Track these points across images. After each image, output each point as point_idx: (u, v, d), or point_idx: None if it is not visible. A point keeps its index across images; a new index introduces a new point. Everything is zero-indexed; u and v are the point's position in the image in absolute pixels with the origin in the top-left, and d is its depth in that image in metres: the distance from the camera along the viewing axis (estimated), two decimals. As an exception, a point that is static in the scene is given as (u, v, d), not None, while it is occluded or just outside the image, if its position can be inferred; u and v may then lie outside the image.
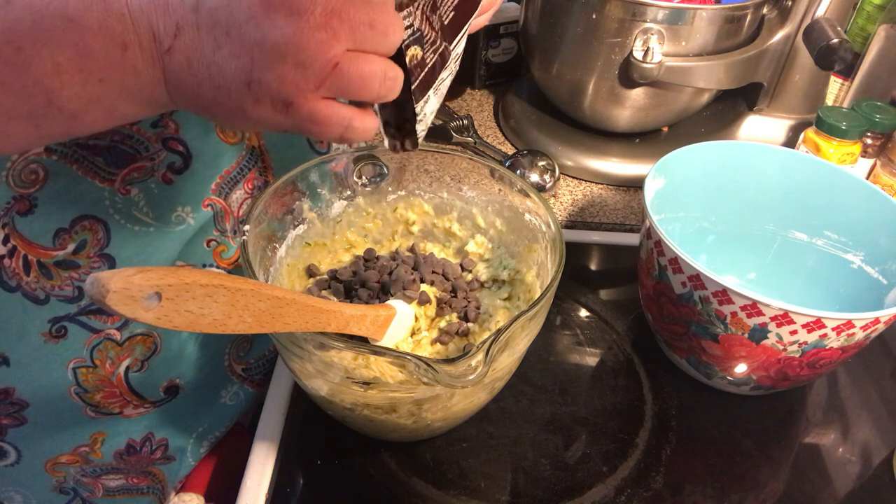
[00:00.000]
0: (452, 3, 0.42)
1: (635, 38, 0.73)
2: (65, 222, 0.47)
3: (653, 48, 0.72)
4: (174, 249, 0.52)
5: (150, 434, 0.57)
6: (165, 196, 0.50)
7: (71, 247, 0.47)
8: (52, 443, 0.54)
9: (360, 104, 0.37)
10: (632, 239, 0.74)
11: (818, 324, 0.46)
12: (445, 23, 0.42)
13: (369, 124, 0.37)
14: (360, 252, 0.58)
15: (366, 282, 0.53)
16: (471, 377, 0.38)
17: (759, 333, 0.48)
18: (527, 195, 0.52)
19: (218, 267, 0.55)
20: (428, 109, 0.42)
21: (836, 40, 0.72)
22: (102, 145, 0.46)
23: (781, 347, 0.49)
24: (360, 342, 0.45)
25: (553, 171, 0.79)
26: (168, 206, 0.50)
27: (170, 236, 0.51)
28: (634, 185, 0.82)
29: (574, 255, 0.62)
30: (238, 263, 0.55)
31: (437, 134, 0.87)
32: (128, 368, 0.53)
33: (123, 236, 0.49)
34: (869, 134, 0.75)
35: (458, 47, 0.45)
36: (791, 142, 0.87)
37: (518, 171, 0.78)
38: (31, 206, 0.45)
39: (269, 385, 0.57)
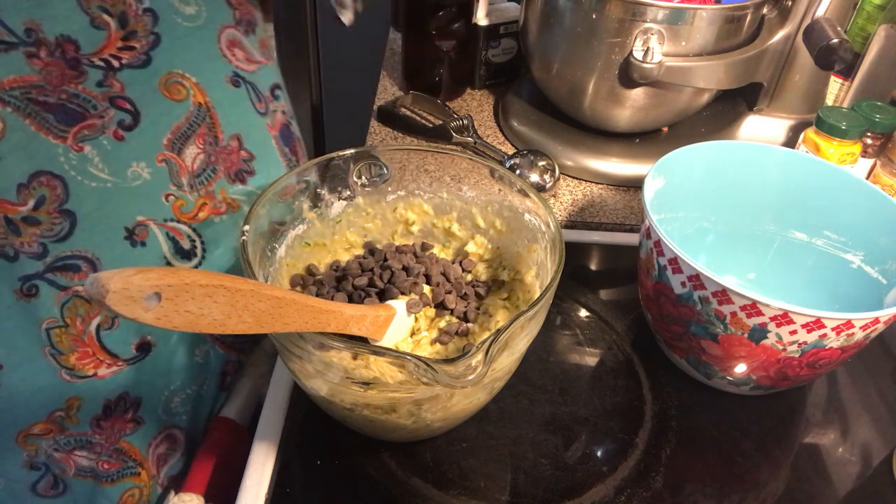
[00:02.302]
0: None
1: (635, 38, 0.73)
2: (23, 177, 0.48)
3: (653, 48, 0.72)
4: (134, 204, 0.53)
5: (125, 393, 0.58)
6: (119, 152, 0.51)
7: (31, 203, 0.48)
8: (27, 410, 0.54)
9: None
10: (632, 239, 0.74)
11: (818, 324, 0.46)
12: None
13: None
14: (360, 252, 0.59)
15: (362, 283, 0.53)
16: (470, 377, 0.38)
17: (759, 333, 0.48)
18: (526, 195, 0.52)
19: (179, 221, 0.56)
20: None
21: (836, 40, 0.72)
22: (52, 102, 0.47)
23: (781, 347, 0.49)
24: (360, 342, 0.45)
25: (553, 171, 0.79)
26: (123, 162, 0.51)
27: (128, 191, 0.52)
28: (634, 185, 0.82)
29: (574, 255, 0.62)
30: (198, 218, 0.57)
31: (437, 134, 0.88)
32: (99, 326, 0.54)
33: (82, 192, 0.50)
34: (869, 134, 0.75)
35: None
36: (791, 142, 0.87)
37: (518, 171, 0.78)
38: None
39: (240, 350, 0.58)
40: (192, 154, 0.55)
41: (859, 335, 0.48)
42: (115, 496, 0.60)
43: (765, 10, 0.79)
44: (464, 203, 0.58)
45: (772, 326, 0.47)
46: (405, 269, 0.54)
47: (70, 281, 0.51)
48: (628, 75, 0.74)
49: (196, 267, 0.57)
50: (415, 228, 0.60)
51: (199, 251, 0.57)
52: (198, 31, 0.54)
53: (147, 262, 0.54)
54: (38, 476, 0.57)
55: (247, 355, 0.68)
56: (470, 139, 0.86)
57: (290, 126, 0.68)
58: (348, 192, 0.57)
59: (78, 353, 0.54)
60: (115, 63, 0.49)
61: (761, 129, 0.88)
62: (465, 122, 0.87)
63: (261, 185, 0.61)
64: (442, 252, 0.59)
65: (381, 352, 0.41)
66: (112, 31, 0.49)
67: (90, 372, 0.55)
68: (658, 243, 0.52)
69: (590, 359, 0.61)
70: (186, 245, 0.56)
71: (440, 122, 0.88)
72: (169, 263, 0.56)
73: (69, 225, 0.50)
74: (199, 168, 0.56)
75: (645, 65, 0.72)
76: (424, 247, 0.58)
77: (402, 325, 0.49)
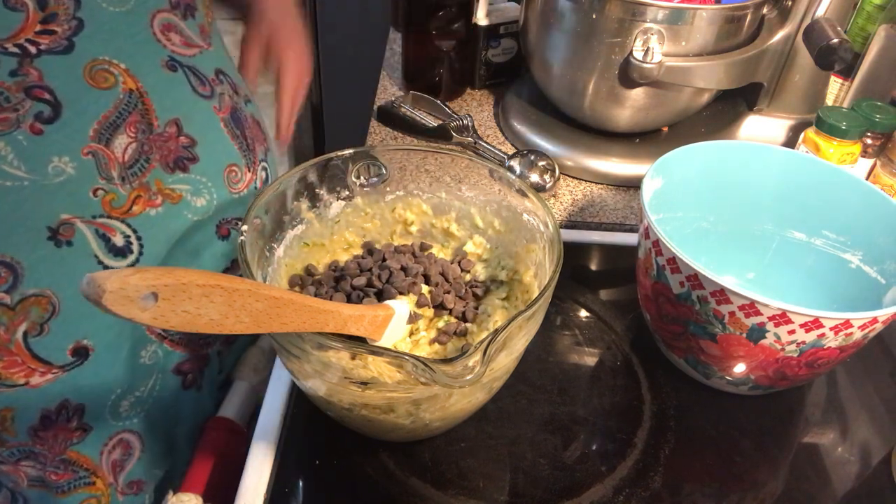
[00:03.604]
0: None
1: (635, 38, 0.73)
2: None
3: (653, 48, 0.72)
4: (57, 202, 0.50)
5: (66, 401, 0.55)
6: (37, 148, 0.48)
7: None
8: None
9: None
10: (632, 239, 0.74)
11: (816, 323, 0.46)
12: None
13: None
14: (359, 252, 0.59)
15: (360, 283, 0.53)
16: (468, 377, 0.38)
17: (758, 333, 0.48)
18: (525, 195, 0.52)
19: (110, 217, 0.53)
20: None
21: (836, 40, 0.72)
22: None
23: (779, 347, 0.49)
24: (358, 342, 0.45)
25: (553, 171, 0.79)
26: (42, 158, 0.48)
27: (49, 189, 0.49)
28: (634, 185, 0.82)
29: (574, 255, 0.62)
30: (132, 213, 0.54)
31: (437, 134, 0.88)
32: (26, 333, 0.51)
33: None
34: (869, 134, 0.75)
35: None
36: (791, 142, 0.87)
37: (518, 172, 0.78)
38: None
39: (193, 347, 0.56)
40: (123, 144, 0.52)
41: (858, 335, 0.48)
42: None
43: (765, 10, 0.79)
44: (462, 203, 0.58)
45: (770, 326, 0.47)
46: (403, 269, 0.54)
47: None
48: (628, 75, 0.74)
49: (133, 263, 0.55)
50: (413, 228, 0.60)
51: (135, 247, 0.54)
52: (125, 15, 0.51)
53: (74, 263, 0.52)
54: None
55: (218, 351, 0.67)
56: (470, 139, 0.86)
57: (240, 109, 0.64)
58: (347, 193, 0.57)
59: (3, 361, 0.51)
60: (32, 49, 0.46)
61: (761, 129, 0.88)
62: (465, 122, 0.87)
63: (206, 172, 0.58)
64: (440, 252, 0.59)
65: (379, 352, 0.41)
66: (30, 12, 0.45)
67: (20, 380, 0.52)
68: (657, 243, 0.52)
69: (589, 359, 0.61)
70: (120, 242, 0.53)
71: (440, 122, 0.88)
72: (101, 262, 0.53)
73: None
74: (131, 158, 0.52)
75: (645, 65, 0.72)
76: (423, 247, 0.58)
77: (400, 325, 0.49)
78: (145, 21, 0.53)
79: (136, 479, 0.62)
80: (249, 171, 0.64)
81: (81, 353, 0.54)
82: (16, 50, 0.46)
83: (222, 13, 0.65)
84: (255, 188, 0.65)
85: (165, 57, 0.55)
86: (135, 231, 0.54)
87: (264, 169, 0.68)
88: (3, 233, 0.48)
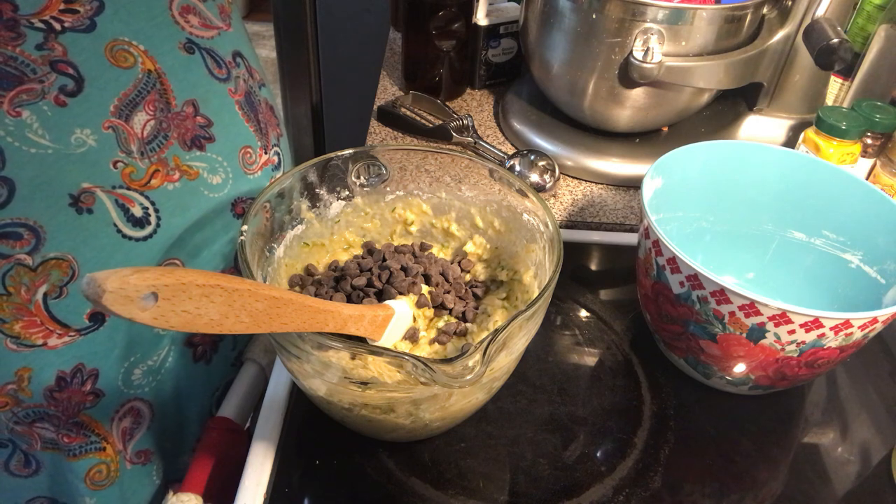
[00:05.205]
0: None
1: (635, 38, 0.73)
2: None
3: (653, 48, 0.72)
4: (79, 171, 0.51)
5: (81, 364, 0.56)
6: (61, 118, 0.50)
7: None
8: None
9: None
10: (632, 239, 0.74)
11: (816, 323, 0.46)
12: None
13: None
14: (359, 252, 0.59)
15: (360, 283, 0.53)
16: (468, 377, 0.38)
17: (757, 333, 0.48)
18: (525, 195, 0.52)
19: (129, 189, 0.54)
20: None
21: (836, 40, 0.72)
22: None
23: (779, 347, 0.49)
24: (358, 342, 0.45)
25: (553, 171, 0.79)
26: (65, 129, 0.50)
27: (71, 158, 0.51)
28: (634, 185, 0.82)
29: (574, 255, 0.62)
30: (151, 185, 0.55)
31: (437, 134, 0.88)
32: (46, 295, 0.52)
33: (20, 159, 0.49)
34: (869, 134, 0.75)
35: None
36: (791, 142, 0.87)
37: (518, 171, 0.78)
38: None
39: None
40: (142, 121, 0.54)
41: (858, 335, 0.48)
42: (82, 472, 0.59)
43: (765, 10, 0.79)
44: (462, 203, 0.58)
45: (770, 326, 0.47)
46: (404, 269, 0.54)
47: (11, 249, 0.50)
48: (628, 75, 0.74)
49: (152, 234, 0.56)
50: (413, 228, 0.60)
51: (152, 219, 0.56)
52: None
53: (95, 230, 0.53)
54: (7, 454, 0.57)
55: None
56: (470, 139, 0.86)
57: (255, 93, 0.66)
58: (347, 193, 0.57)
59: (23, 321, 0.52)
60: (57, 26, 0.48)
61: (761, 129, 0.88)
62: (465, 122, 0.88)
63: (221, 152, 0.60)
64: (440, 252, 0.59)
65: (379, 351, 0.41)
66: None
67: (38, 341, 0.53)
68: (657, 243, 0.52)
69: (589, 359, 0.61)
70: (138, 213, 0.55)
71: (440, 122, 0.88)
72: (119, 231, 0.54)
73: (7, 192, 0.49)
74: (150, 135, 0.54)
75: (645, 65, 0.72)
76: (423, 247, 0.59)
77: (400, 325, 0.49)
78: (164, 3, 0.54)
79: (144, 448, 0.63)
80: (264, 153, 0.66)
81: (98, 319, 0.56)
82: (41, 25, 0.47)
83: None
84: (270, 171, 0.67)
85: (183, 39, 0.56)
86: (153, 203, 0.56)
87: (276, 154, 0.69)
88: (27, 197, 0.50)
